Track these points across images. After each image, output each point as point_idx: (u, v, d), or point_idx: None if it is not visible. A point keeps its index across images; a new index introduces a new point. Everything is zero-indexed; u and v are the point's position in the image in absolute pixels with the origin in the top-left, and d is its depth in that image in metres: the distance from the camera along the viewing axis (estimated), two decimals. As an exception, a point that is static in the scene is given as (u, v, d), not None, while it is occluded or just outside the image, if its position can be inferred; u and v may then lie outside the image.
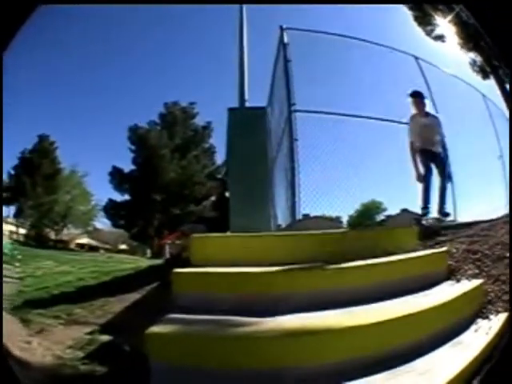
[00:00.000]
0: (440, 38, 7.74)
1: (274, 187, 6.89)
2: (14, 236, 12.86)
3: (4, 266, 7.25)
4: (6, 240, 10.02)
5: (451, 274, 3.30)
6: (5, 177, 12.83)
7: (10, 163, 13.07)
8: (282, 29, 6.34)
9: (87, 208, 14.89)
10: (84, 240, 14.96)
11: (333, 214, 5.89)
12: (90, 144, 12.06)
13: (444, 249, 3.64)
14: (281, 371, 2.17)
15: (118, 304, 4.24)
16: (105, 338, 3.49)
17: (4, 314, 3.96)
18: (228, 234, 4.71)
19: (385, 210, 7.06)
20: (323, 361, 2.21)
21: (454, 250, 3.69)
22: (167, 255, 9.93)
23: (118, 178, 11.95)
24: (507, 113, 6.60)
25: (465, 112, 7.07)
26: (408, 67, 6.84)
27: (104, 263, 8.04)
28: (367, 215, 6.68)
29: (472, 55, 7.32)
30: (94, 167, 13.26)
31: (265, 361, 2.23)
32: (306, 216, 5.55)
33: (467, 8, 2.70)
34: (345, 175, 5.88)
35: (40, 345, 3.39)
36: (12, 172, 13.43)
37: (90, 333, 3.60)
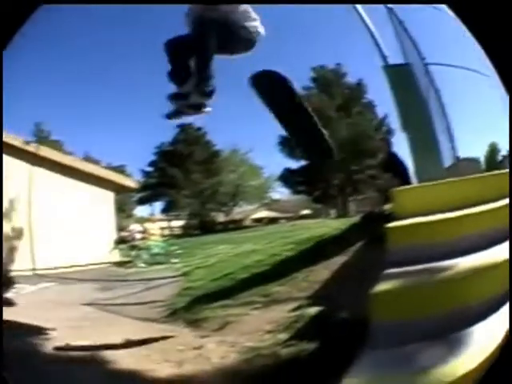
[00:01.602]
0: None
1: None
2: (166, 231, 13.70)
3: (157, 266, 7.95)
4: (155, 239, 10.62)
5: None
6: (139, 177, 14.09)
7: (135, 164, 14.72)
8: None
9: (259, 182, 15.53)
10: (262, 214, 15.63)
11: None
12: (244, 122, 12.76)
13: None
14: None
15: (324, 271, 4.05)
16: (314, 310, 3.35)
17: (153, 325, 4.06)
18: (424, 184, 4.69)
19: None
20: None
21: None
22: (353, 213, 10.40)
23: (289, 146, 12.32)
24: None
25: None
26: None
27: (291, 232, 7.92)
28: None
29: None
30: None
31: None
32: (457, 158, 6.35)
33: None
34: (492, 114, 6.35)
35: (220, 343, 3.25)
36: (146, 169, 15.17)
37: (296, 309, 3.48)
